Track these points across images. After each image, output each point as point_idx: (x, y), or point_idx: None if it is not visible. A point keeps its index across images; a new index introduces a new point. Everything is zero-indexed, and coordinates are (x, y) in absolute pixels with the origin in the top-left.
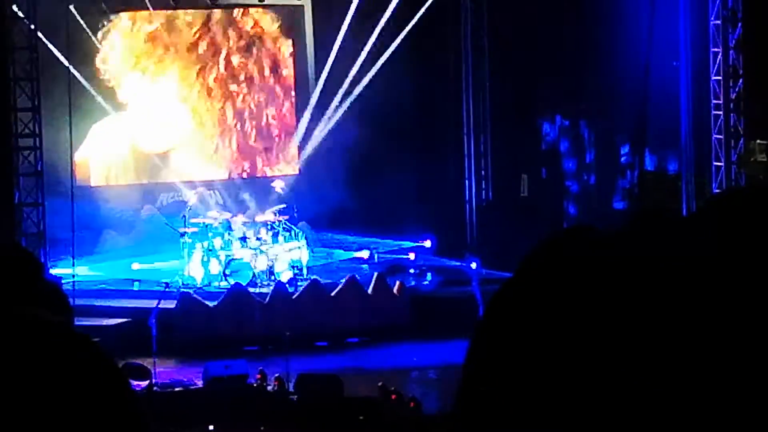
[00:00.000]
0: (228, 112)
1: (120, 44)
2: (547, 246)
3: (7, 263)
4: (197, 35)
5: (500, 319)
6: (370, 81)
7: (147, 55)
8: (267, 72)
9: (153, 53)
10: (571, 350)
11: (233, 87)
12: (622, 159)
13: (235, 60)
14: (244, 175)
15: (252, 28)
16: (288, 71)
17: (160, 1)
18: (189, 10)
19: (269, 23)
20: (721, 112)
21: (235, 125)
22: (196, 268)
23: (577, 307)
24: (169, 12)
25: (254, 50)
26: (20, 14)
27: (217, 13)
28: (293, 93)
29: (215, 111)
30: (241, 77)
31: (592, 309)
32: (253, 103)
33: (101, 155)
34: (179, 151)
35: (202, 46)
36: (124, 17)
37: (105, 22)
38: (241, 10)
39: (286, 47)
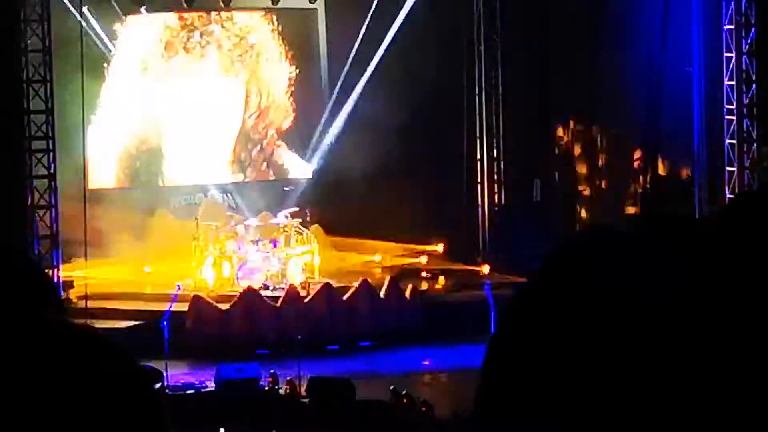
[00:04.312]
0: (241, 115)
1: (130, 46)
2: (570, 244)
3: (10, 269)
4: (204, 39)
5: (522, 319)
6: (382, 86)
7: (156, 55)
8: (278, 75)
9: (162, 54)
10: (592, 350)
11: (243, 88)
12: (635, 164)
13: (247, 64)
14: (257, 179)
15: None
16: (299, 74)
17: (174, 3)
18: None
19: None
20: (734, 117)
21: (248, 129)
22: (208, 272)
23: (600, 305)
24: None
25: (265, 53)
26: (34, 17)
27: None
28: (304, 98)
29: (226, 114)
30: (252, 81)
31: (615, 308)
32: (266, 105)
33: (112, 157)
34: (190, 153)
35: (208, 48)
36: (136, 20)
37: (119, 24)
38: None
39: (295, 50)
